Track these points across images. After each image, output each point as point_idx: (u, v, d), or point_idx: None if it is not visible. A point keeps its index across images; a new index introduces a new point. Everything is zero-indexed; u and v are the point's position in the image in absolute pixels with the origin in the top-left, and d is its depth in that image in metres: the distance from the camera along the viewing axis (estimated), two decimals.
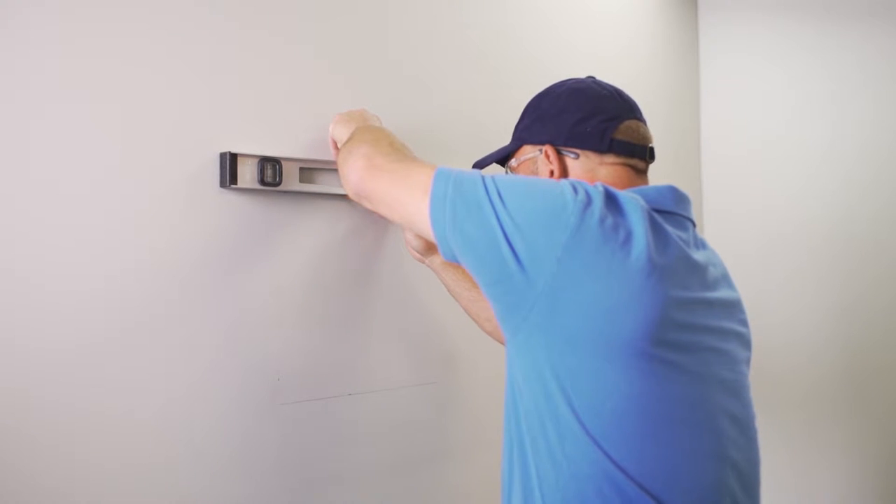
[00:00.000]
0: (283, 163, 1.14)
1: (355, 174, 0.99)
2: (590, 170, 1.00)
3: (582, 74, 1.02)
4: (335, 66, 1.24)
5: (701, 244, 0.98)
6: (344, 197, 1.24)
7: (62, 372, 0.96)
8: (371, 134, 1.05)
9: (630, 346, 0.82)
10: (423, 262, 1.30)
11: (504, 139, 1.12)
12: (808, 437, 1.84)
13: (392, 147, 1.01)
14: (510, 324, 0.88)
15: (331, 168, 1.22)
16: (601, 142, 0.99)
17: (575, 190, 0.85)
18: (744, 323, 1.00)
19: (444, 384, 1.38)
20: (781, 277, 1.87)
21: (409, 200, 0.92)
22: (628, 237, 0.83)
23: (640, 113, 1.04)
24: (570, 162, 1.01)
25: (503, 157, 1.10)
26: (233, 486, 1.11)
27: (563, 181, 0.88)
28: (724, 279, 0.99)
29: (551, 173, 1.01)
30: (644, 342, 0.82)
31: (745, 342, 0.99)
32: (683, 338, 0.86)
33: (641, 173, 1.02)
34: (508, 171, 1.09)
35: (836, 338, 1.83)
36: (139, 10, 1.03)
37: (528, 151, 1.05)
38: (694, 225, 0.97)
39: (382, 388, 1.28)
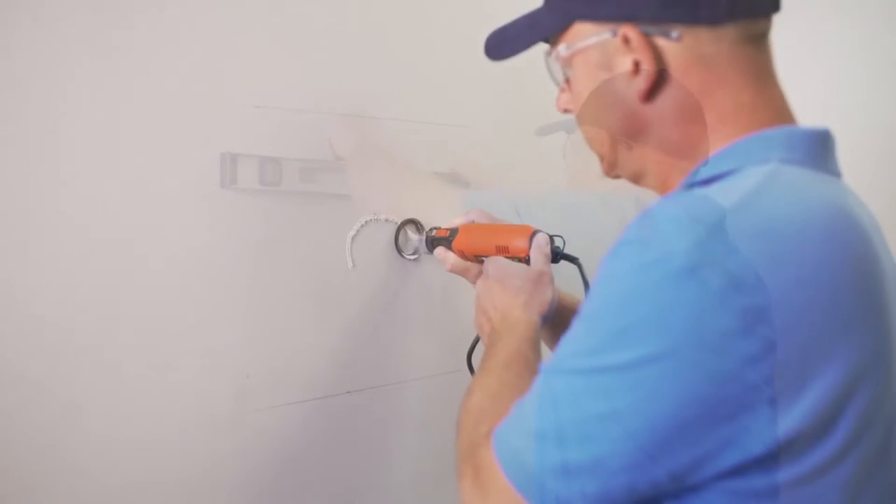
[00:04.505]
0: (283, 163, 1.14)
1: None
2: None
3: None
4: (336, 66, 1.24)
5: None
6: (344, 196, 1.24)
7: (60, 374, 0.96)
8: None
9: None
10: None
11: (502, 138, 1.09)
12: None
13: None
14: None
15: (331, 168, 1.22)
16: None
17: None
18: None
19: (444, 384, 1.38)
20: None
21: None
22: None
23: None
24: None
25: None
26: (230, 485, 1.11)
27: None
28: None
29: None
30: None
31: None
32: None
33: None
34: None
35: None
36: (138, 9, 1.03)
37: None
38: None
39: (382, 387, 1.28)
